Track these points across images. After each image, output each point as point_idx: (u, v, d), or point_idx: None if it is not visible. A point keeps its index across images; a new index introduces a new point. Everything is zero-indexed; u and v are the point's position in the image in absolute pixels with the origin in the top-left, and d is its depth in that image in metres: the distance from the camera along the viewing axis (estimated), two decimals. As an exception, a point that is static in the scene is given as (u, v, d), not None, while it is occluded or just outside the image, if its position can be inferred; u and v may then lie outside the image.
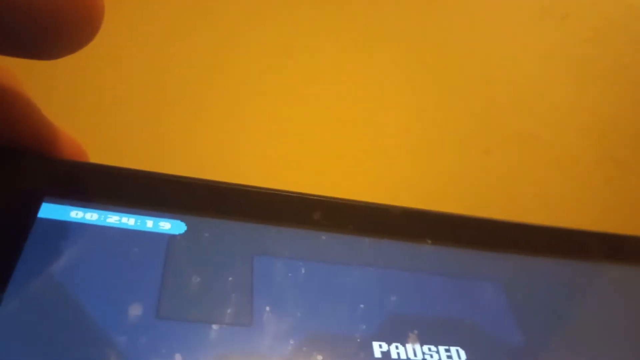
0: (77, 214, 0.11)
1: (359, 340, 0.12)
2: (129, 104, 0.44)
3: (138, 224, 0.12)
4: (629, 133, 0.45)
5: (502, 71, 0.46)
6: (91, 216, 0.11)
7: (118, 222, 0.12)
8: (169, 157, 0.43)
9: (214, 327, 0.11)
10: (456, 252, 0.13)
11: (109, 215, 0.11)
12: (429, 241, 0.13)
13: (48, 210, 0.11)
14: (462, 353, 0.12)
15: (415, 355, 0.12)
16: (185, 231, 0.12)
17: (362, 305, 0.12)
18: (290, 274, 0.12)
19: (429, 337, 0.12)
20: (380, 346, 0.12)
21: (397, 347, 0.12)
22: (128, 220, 0.12)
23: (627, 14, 0.45)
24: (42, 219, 0.11)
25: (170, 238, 0.12)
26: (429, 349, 0.12)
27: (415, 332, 0.12)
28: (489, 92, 0.46)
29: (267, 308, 0.12)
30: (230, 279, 0.12)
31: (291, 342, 0.11)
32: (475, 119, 0.45)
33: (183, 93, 0.45)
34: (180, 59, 0.46)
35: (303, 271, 0.12)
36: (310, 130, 0.44)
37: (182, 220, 0.12)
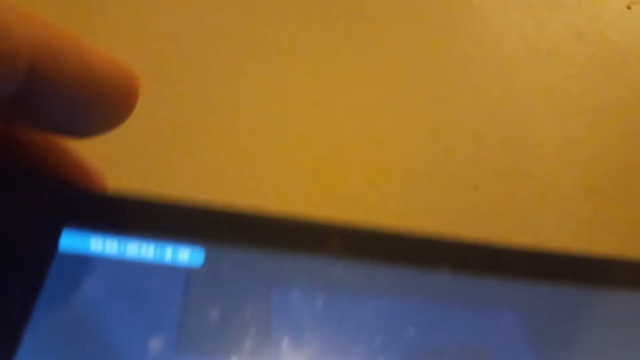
0: (97, 243, 0.11)
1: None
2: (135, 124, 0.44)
3: (157, 253, 0.12)
4: (614, 166, 0.45)
5: (489, 107, 0.47)
6: (111, 245, 0.11)
7: (137, 251, 0.12)
8: (178, 178, 0.42)
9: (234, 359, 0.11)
10: (474, 280, 0.13)
11: (128, 243, 0.11)
12: (447, 269, 0.13)
13: (68, 239, 0.11)
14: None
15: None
16: (204, 263, 0.12)
17: (380, 334, 0.12)
18: (307, 304, 0.12)
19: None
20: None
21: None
22: (147, 248, 0.12)
23: (609, 50, 0.46)
24: (62, 253, 0.11)
25: (188, 271, 0.12)
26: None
27: (433, 360, 0.12)
28: (476, 129, 0.46)
29: (286, 338, 0.12)
30: (248, 310, 0.11)
31: (309, 372, 0.11)
32: (464, 155, 0.46)
33: (190, 114, 0.45)
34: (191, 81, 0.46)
35: (320, 300, 0.12)
36: (301, 159, 0.45)
37: (201, 246, 0.12)
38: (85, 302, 0.11)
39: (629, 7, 0.46)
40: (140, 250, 0.12)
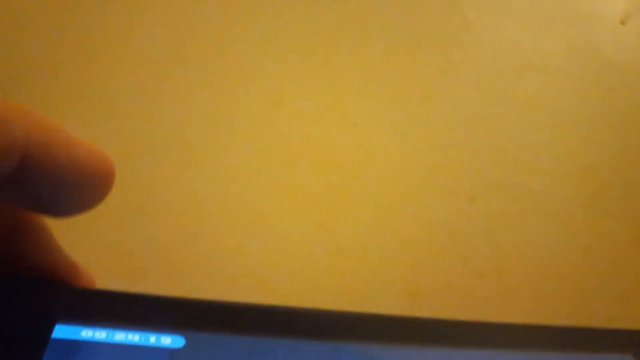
0: (87, 333, 0.12)
1: None
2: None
3: (142, 340, 0.13)
4: (609, 180, 0.46)
5: (485, 121, 0.47)
6: (100, 334, 0.12)
7: (124, 339, 0.13)
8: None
9: None
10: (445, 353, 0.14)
11: (116, 333, 0.13)
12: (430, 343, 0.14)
13: (61, 332, 0.12)
14: None
15: None
16: (185, 345, 0.13)
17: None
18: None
19: None
20: None
21: None
22: (133, 337, 0.13)
23: (603, 65, 0.47)
24: (55, 339, 0.12)
25: (171, 352, 0.13)
26: None
27: None
28: (473, 142, 0.47)
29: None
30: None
31: None
32: (461, 168, 0.47)
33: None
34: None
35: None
36: (301, 176, 0.45)
37: (181, 335, 0.13)
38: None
39: (622, 23, 0.46)
40: (126, 337, 0.13)
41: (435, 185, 0.47)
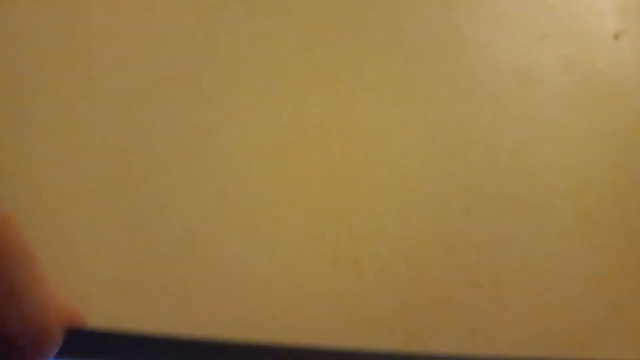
0: (79, 369, 0.13)
1: None
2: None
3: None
4: (603, 193, 0.46)
5: (481, 134, 0.47)
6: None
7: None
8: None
9: None
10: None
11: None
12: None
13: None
14: None
15: None
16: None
17: None
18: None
19: None
20: None
21: None
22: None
23: (597, 80, 0.47)
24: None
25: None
26: None
27: None
28: (468, 155, 0.47)
29: None
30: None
31: None
32: (456, 180, 0.47)
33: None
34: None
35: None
36: (297, 188, 0.46)
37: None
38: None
39: (616, 38, 0.47)
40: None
41: (431, 197, 0.47)
